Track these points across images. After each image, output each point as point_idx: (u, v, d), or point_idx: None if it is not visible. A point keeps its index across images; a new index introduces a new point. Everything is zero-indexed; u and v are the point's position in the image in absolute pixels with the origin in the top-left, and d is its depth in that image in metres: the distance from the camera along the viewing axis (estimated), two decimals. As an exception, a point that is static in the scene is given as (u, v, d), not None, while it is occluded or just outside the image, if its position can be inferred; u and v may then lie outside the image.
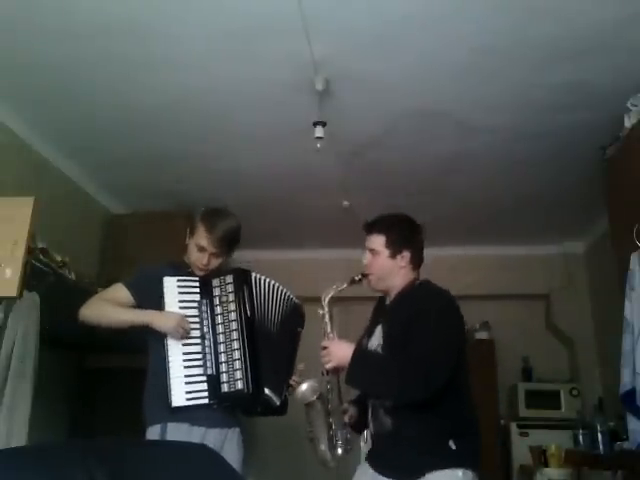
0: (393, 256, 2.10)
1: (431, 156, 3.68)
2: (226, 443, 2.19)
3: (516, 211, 4.47)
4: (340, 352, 2.00)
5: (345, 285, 2.15)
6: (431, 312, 1.97)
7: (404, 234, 2.14)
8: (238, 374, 2.14)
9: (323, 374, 2.07)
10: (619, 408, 2.81)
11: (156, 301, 2.21)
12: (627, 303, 2.62)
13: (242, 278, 2.25)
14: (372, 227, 2.16)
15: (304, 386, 2.10)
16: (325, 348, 2.05)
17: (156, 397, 2.15)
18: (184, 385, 2.14)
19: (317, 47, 2.61)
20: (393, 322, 2.06)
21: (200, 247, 2.27)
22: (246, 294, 2.23)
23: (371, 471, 2.04)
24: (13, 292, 2.28)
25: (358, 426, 2.20)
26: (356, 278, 2.14)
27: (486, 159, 3.71)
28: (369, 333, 2.16)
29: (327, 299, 2.14)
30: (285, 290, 2.37)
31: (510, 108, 3.13)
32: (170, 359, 2.15)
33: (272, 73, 2.83)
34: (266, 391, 2.18)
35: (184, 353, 2.17)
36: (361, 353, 2.01)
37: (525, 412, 4.66)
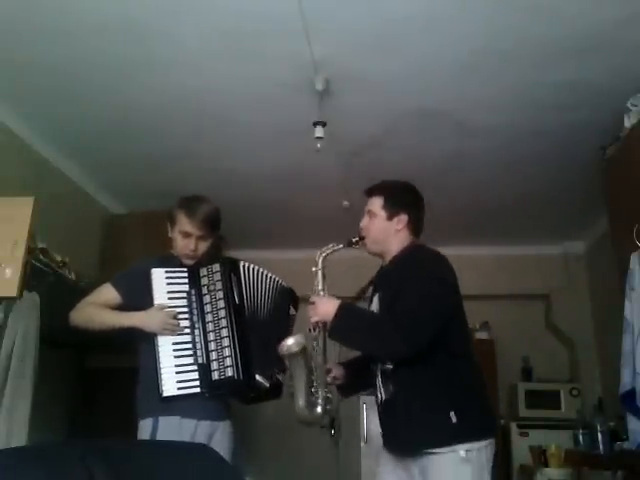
0: (390, 218, 2.11)
1: (431, 156, 3.68)
2: (216, 435, 2.19)
3: (516, 211, 4.47)
4: (324, 307, 2.00)
5: (342, 246, 2.15)
6: (421, 272, 1.96)
7: (402, 197, 2.15)
8: (228, 361, 2.14)
9: (310, 331, 2.07)
10: (619, 408, 2.81)
11: (145, 296, 2.20)
12: (627, 303, 2.62)
13: (229, 267, 2.27)
14: (372, 190, 2.18)
15: (290, 340, 2.08)
16: (312, 304, 2.05)
17: (148, 390, 2.15)
18: (175, 375, 2.14)
19: (317, 47, 2.61)
20: (386, 287, 2.05)
21: (185, 233, 2.28)
22: (234, 282, 2.24)
23: (389, 455, 2.04)
24: (13, 292, 2.29)
25: (346, 389, 2.21)
26: (353, 240, 2.15)
27: (486, 159, 3.71)
28: (369, 300, 2.16)
29: (322, 256, 2.15)
30: (274, 276, 2.39)
31: (510, 108, 3.13)
32: (160, 349, 2.16)
33: (272, 73, 2.83)
34: (257, 377, 2.18)
35: (174, 343, 2.18)
36: (345, 308, 1.99)
37: (525, 412, 4.66)
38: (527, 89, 2.95)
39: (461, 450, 1.81)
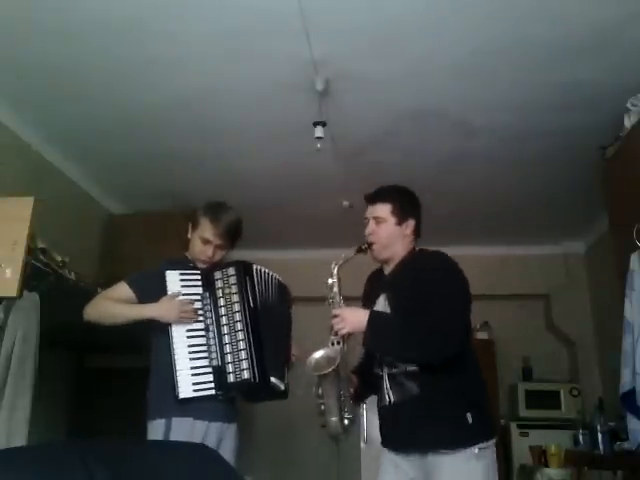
0: (399, 224, 2.13)
1: (431, 156, 3.68)
2: (225, 438, 2.23)
3: (516, 211, 4.47)
4: (355, 317, 1.99)
5: (353, 254, 2.13)
6: (442, 276, 2.02)
7: (409, 203, 2.18)
8: (244, 364, 2.17)
9: (333, 344, 2.02)
10: (619, 408, 2.81)
11: (159, 297, 2.24)
12: (627, 303, 2.62)
13: (244, 270, 2.30)
14: (376, 196, 2.18)
15: (318, 355, 2.02)
16: (336, 316, 2.01)
17: (162, 391, 2.18)
18: (191, 377, 2.17)
19: (317, 47, 2.61)
20: (399, 290, 2.07)
21: (205, 240, 2.32)
22: (249, 285, 2.28)
23: (391, 455, 2.05)
24: (13, 292, 2.28)
25: (361, 396, 2.21)
26: (363, 247, 2.14)
27: (486, 159, 3.71)
28: (371, 304, 2.14)
29: (336, 268, 2.12)
30: (276, 275, 2.44)
31: (510, 108, 3.13)
32: (176, 352, 2.19)
33: (272, 73, 2.83)
34: (272, 379, 2.22)
35: (189, 345, 2.21)
36: (378, 316, 2.01)
37: (525, 412, 4.66)
38: (527, 89, 2.95)
39: (475, 448, 1.89)
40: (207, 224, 2.32)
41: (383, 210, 2.14)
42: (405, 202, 2.16)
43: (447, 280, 2.01)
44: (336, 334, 2.01)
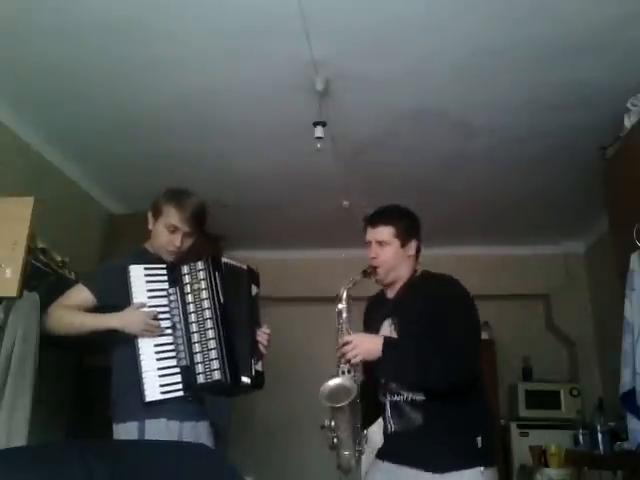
0: (403, 245, 2.11)
1: (431, 156, 3.68)
2: (201, 436, 2.15)
3: (516, 211, 4.47)
4: (368, 344, 1.93)
5: (359, 277, 2.08)
6: (455, 299, 2.01)
7: (410, 224, 2.15)
8: (215, 364, 2.06)
9: (344, 372, 1.93)
10: (619, 408, 2.81)
11: (122, 294, 2.12)
12: (627, 303, 2.62)
13: (213, 264, 2.18)
14: (378, 219, 2.14)
15: (332, 383, 1.89)
16: (347, 343, 1.94)
17: (129, 392, 2.08)
18: (158, 378, 2.07)
19: (317, 47, 2.61)
20: (407, 313, 2.03)
21: (172, 227, 2.20)
22: (218, 280, 2.16)
23: (387, 465, 1.98)
24: (13, 292, 2.28)
25: (366, 423, 2.13)
26: (368, 270, 2.10)
27: (486, 159, 3.71)
28: (374, 329, 2.09)
29: (345, 293, 2.05)
30: (245, 266, 2.31)
31: (510, 108, 3.13)
32: (141, 352, 2.08)
33: (272, 73, 2.83)
34: (243, 379, 2.13)
35: (155, 345, 2.11)
36: (392, 343, 1.94)
37: (525, 412, 4.66)
38: (527, 89, 2.95)
39: (481, 468, 1.88)
40: (172, 210, 2.19)
41: (386, 233, 2.10)
42: (407, 223, 2.13)
43: (463, 306, 2.01)
44: (348, 362, 1.93)
